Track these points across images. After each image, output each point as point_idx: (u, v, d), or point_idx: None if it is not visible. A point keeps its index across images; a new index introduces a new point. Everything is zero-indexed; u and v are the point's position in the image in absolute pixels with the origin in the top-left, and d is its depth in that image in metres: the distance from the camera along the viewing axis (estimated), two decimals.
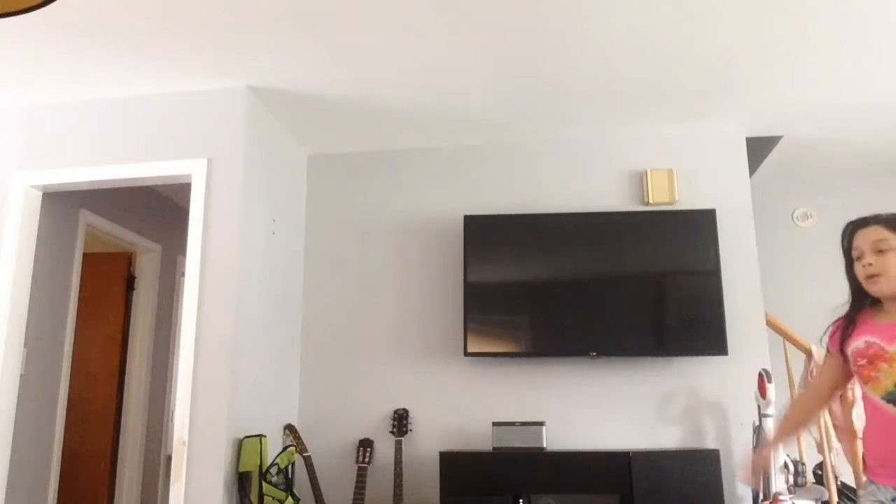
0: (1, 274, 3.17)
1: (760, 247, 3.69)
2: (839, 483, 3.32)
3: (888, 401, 1.64)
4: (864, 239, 1.76)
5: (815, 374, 3.29)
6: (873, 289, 1.73)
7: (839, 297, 4.61)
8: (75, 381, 3.91)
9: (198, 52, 2.95)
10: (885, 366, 1.65)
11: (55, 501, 3.65)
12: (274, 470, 3.03)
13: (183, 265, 3.22)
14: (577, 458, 3.27)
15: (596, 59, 3.05)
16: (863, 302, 1.82)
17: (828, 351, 1.89)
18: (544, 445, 3.27)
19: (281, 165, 3.69)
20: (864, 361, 1.70)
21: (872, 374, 1.67)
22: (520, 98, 3.43)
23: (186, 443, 2.89)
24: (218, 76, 3.16)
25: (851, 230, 1.82)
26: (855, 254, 1.78)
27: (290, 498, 3.04)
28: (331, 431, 3.65)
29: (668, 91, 3.37)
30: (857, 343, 1.75)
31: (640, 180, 3.77)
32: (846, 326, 1.82)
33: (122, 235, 4.34)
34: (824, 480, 3.23)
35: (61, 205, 3.69)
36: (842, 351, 1.81)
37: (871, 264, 1.71)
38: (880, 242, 1.72)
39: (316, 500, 3.22)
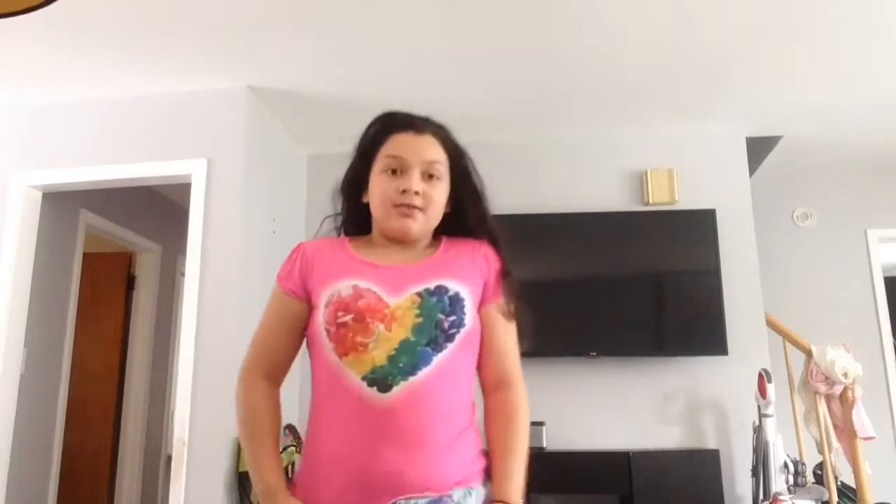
0: (1, 274, 3.17)
1: (760, 247, 3.68)
2: (839, 483, 3.32)
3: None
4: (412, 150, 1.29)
5: (814, 374, 3.29)
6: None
7: (839, 297, 4.60)
8: (75, 381, 3.90)
9: (198, 52, 2.95)
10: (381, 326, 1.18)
11: (55, 501, 3.65)
12: None
13: (183, 265, 3.22)
14: (577, 458, 3.27)
15: (596, 60, 3.05)
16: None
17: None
18: (544, 445, 3.27)
19: (281, 165, 3.69)
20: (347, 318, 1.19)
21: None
22: (519, 98, 3.43)
23: (186, 443, 2.88)
24: (218, 76, 3.15)
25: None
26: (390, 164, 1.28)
27: None
28: None
29: (669, 91, 3.37)
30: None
31: (640, 180, 3.77)
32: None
33: (122, 235, 4.34)
34: (824, 480, 3.23)
35: (61, 205, 3.69)
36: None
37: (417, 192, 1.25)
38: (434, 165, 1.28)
39: None
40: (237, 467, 2.95)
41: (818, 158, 4.27)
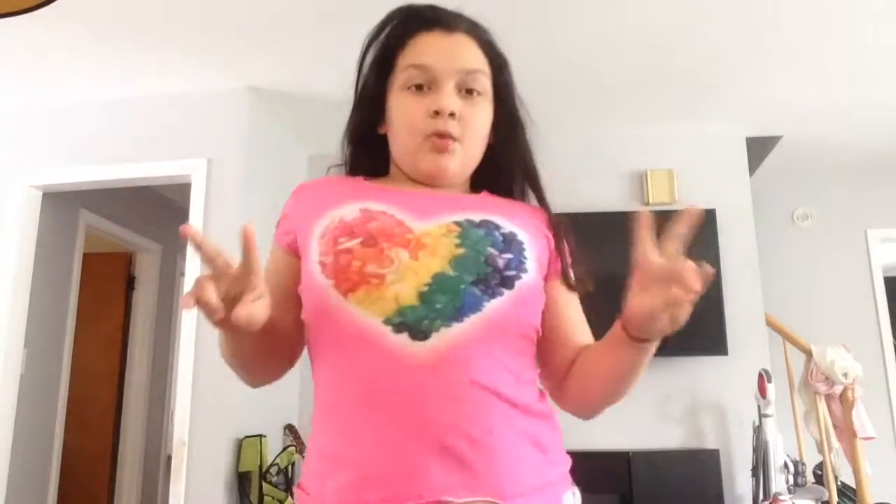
0: (1, 274, 3.17)
1: (760, 247, 3.68)
2: (839, 483, 3.32)
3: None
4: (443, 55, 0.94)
5: (814, 374, 3.29)
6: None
7: (839, 297, 4.60)
8: (75, 381, 3.91)
9: (198, 53, 2.95)
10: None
11: (55, 501, 3.65)
12: (274, 470, 3.03)
13: (183, 265, 3.22)
14: (577, 458, 3.26)
15: (595, 59, 3.05)
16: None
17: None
18: None
19: (281, 165, 3.69)
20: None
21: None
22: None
23: (186, 443, 2.88)
24: (218, 76, 3.15)
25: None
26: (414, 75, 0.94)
27: (290, 498, 3.04)
28: None
29: (669, 91, 3.37)
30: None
31: (640, 180, 3.77)
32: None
33: (122, 235, 4.34)
34: (824, 480, 3.23)
35: (61, 205, 3.69)
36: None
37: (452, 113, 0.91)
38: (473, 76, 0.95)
39: None
40: (237, 467, 2.95)
41: (818, 158, 4.27)
